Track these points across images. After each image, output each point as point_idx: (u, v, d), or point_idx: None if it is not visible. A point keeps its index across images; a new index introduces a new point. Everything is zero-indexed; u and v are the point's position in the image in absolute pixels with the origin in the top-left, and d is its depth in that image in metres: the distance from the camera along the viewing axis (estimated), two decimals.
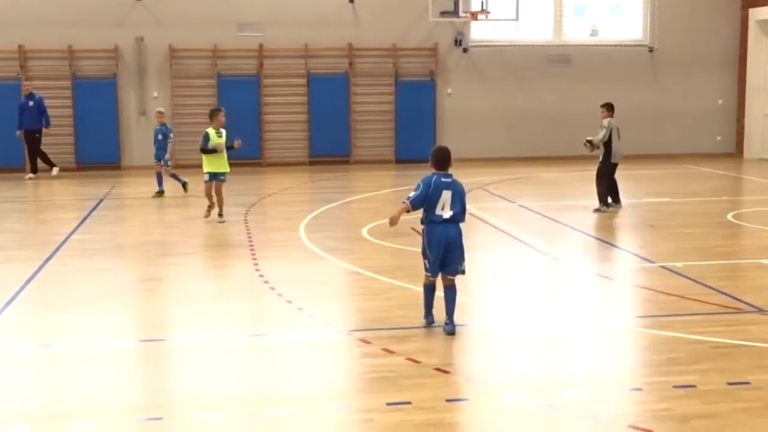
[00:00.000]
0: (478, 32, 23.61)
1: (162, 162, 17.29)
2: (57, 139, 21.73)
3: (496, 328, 8.50)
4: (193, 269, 11.13)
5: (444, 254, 7.97)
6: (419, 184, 8.00)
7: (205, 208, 14.30)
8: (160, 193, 17.25)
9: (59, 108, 21.80)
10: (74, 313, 9.06)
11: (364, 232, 13.09)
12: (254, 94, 22.66)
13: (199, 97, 22.40)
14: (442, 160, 8.08)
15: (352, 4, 22.76)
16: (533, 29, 24.37)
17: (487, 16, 22.26)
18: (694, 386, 6.70)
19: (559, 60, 23.87)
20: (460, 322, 8.24)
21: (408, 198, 7.99)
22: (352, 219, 14.99)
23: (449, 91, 23.52)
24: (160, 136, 17.33)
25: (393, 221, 8.00)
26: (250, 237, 12.99)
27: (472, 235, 13.43)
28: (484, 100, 23.61)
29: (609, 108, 14.87)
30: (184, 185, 17.33)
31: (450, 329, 7.99)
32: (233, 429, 6.10)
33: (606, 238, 13.12)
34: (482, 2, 22.18)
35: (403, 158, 22.76)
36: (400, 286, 9.86)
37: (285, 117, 22.93)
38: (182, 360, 7.68)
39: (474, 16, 22.32)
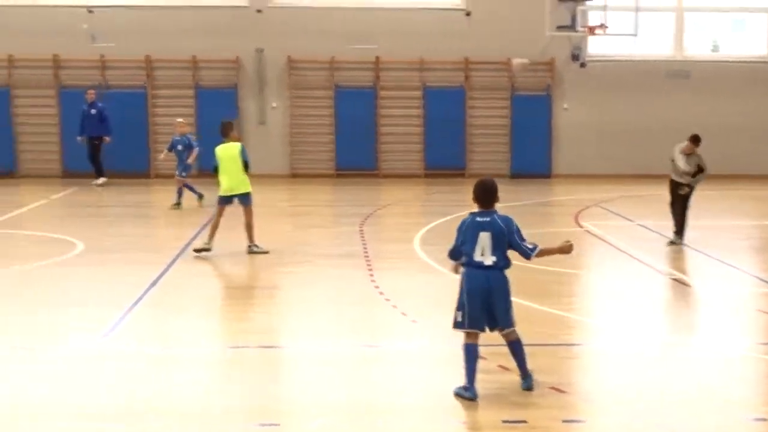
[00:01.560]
0: (596, 47, 23.34)
1: (178, 174, 17.02)
2: None
3: (613, 349, 8.36)
4: (308, 278, 11.29)
5: (487, 305, 6.96)
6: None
7: (250, 238, 12.75)
8: (178, 205, 16.95)
9: (183, 116, 22.43)
10: (193, 318, 9.31)
11: None
12: (370, 105, 22.91)
13: (317, 107, 22.82)
14: (484, 196, 6.96)
15: (468, 17, 22.79)
16: (652, 44, 23.95)
17: (605, 31, 22.01)
18: None
19: (679, 75, 23.37)
20: (577, 341, 8.15)
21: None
22: None
23: (565, 106, 23.30)
24: (180, 147, 17.14)
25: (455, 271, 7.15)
26: (365, 247, 13.11)
27: (588, 253, 13.30)
28: (601, 116, 23.29)
29: (691, 140, 13.31)
30: (200, 197, 17.08)
31: (527, 385, 7.05)
32: None
33: (728, 260, 12.75)
34: (601, 17, 21.94)
35: (518, 172, 22.64)
36: (516, 302, 9.77)
37: (400, 129, 23.09)
38: (296, 367, 7.80)
39: (591, 30, 22.10)
